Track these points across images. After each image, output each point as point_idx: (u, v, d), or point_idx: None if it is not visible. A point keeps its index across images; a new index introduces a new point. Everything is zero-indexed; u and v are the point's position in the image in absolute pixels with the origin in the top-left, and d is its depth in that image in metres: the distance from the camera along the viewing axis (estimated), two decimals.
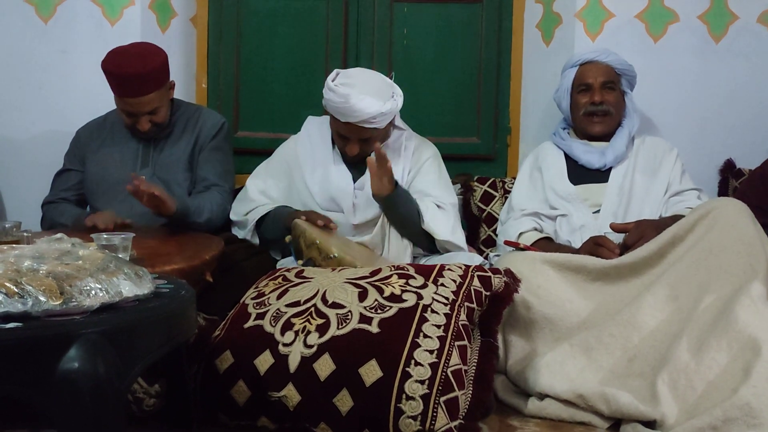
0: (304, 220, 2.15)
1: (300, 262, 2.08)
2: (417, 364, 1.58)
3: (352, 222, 2.28)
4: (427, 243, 2.31)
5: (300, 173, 2.39)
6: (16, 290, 1.20)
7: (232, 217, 2.42)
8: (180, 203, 2.26)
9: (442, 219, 2.29)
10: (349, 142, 2.28)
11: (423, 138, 2.50)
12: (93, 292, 1.27)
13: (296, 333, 1.66)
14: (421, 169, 2.39)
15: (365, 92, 2.18)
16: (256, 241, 2.38)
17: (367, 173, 2.25)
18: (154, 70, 2.33)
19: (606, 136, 2.47)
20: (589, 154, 2.44)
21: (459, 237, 2.32)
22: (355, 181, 2.34)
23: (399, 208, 2.24)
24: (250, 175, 2.47)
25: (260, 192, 2.41)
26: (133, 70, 2.29)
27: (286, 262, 2.26)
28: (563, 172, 2.45)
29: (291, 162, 2.43)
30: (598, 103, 2.44)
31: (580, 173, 2.44)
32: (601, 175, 2.43)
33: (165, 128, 2.46)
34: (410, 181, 2.37)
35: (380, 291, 1.72)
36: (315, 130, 2.44)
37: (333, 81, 2.21)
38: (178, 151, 2.47)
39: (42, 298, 1.21)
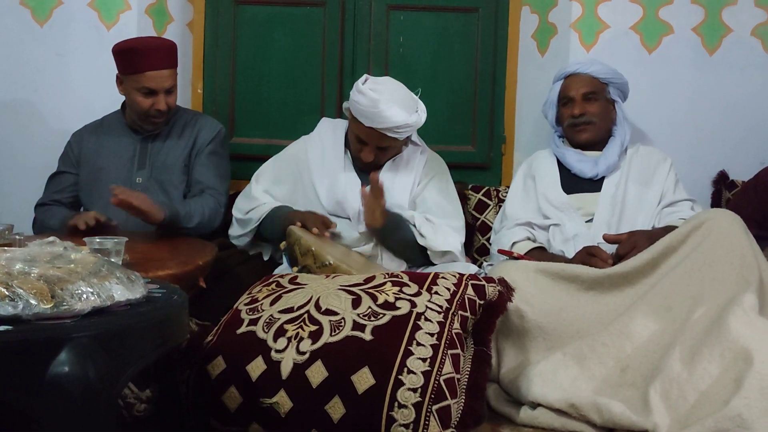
0: (299, 227, 2.14)
1: (295, 269, 2.07)
2: (410, 372, 1.57)
3: (358, 229, 2.27)
4: (422, 260, 2.30)
5: (308, 174, 2.38)
6: (6, 293, 1.20)
7: (235, 213, 2.41)
8: (169, 210, 2.26)
9: (435, 231, 2.28)
10: (366, 147, 2.28)
11: (436, 154, 2.52)
12: (84, 295, 1.26)
13: (289, 339, 1.65)
14: (429, 183, 2.40)
15: (393, 101, 2.20)
16: (248, 239, 2.36)
17: None
18: (171, 46, 2.43)
19: (596, 144, 2.48)
20: (582, 163, 2.45)
21: (454, 245, 2.29)
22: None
23: (392, 236, 2.25)
24: (256, 173, 2.47)
25: (264, 191, 2.40)
26: (156, 42, 2.42)
27: (282, 270, 2.25)
28: (556, 181, 2.46)
29: (300, 162, 2.42)
30: (578, 116, 2.46)
31: (573, 182, 2.45)
32: (594, 185, 2.43)
33: (164, 124, 2.48)
34: (418, 193, 2.39)
35: (374, 298, 1.72)
36: (328, 133, 2.43)
37: (363, 84, 2.22)
38: (175, 153, 2.47)
39: (33, 302, 1.21)
